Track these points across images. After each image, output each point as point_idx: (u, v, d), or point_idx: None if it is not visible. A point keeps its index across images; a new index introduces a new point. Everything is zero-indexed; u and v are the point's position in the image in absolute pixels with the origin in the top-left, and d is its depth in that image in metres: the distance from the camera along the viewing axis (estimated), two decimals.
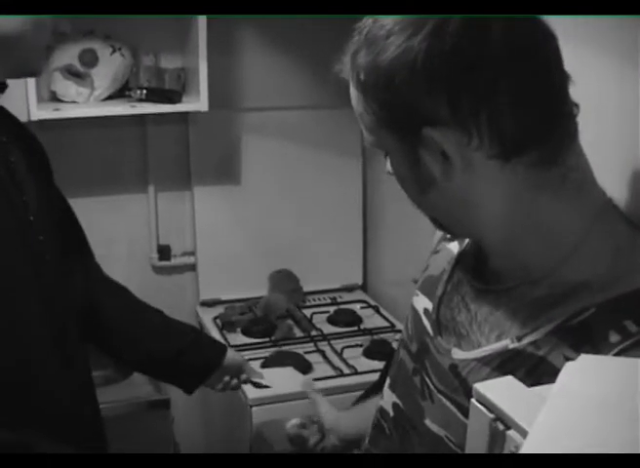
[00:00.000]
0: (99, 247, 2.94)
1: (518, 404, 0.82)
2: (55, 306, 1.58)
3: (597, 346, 0.94)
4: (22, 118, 2.50)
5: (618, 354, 0.93)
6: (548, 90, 0.98)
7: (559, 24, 1.00)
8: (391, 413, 1.29)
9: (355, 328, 2.86)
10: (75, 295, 1.70)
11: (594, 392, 0.79)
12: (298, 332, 2.85)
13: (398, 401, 1.27)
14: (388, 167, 1.11)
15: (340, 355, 2.65)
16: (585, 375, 0.83)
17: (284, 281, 3.07)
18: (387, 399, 1.31)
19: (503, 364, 1.02)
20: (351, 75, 1.03)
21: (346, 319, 2.94)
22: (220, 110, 2.85)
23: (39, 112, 2.53)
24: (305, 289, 3.11)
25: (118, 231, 3.03)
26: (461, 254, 1.21)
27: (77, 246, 1.90)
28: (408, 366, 1.25)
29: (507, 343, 1.03)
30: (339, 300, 3.12)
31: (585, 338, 0.95)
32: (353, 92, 1.05)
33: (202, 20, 2.59)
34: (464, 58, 0.93)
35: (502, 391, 0.85)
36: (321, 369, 2.59)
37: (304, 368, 2.56)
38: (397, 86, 0.96)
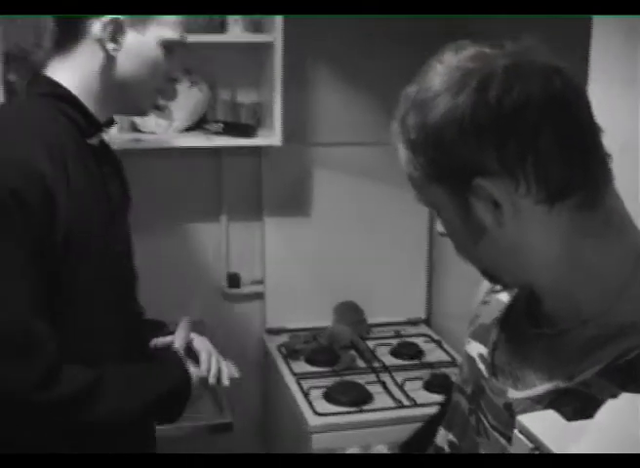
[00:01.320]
0: (171, 273, 3.09)
1: (557, 435, 0.87)
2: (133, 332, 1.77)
3: None
4: None
5: None
6: (586, 136, 1.04)
7: None
8: (447, 450, 1.34)
9: (417, 361, 2.90)
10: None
11: (629, 430, 0.83)
12: (360, 363, 2.90)
13: (454, 439, 1.33)
14: (440, 227, 1.17)
15: (400, 387, 2.69)
16: (623, 413, 0.87)
17: (349, 312, 3.13)
18: (443, 437, 1.37)
19: (554, 402, 1.06)
20: (400, 138, 1.10)
21: (409, 352, 2.99)
22: (292, 144, 2.94)
23: (121, 142, 2.65)
24: (370, 321, 3.17)
25: (191, 258, 3.12)
26: (513, 302, 1.26)
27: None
28: (464, 407, 1.30)
29: (558, 383, 1.07)
30: (402, 333, 3.16)
31: (631, 377, 1.00)
32: (403, 153, 1.12)
33: (277, 57, 2.69)
34: (509, 110, 1.00)
35: (543, 423, 0.90)
36: (381, 399, 2.63)
37: (365, 398, 2.62)
38: (447, 141, 1.03)
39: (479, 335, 1.31)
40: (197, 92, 2.84)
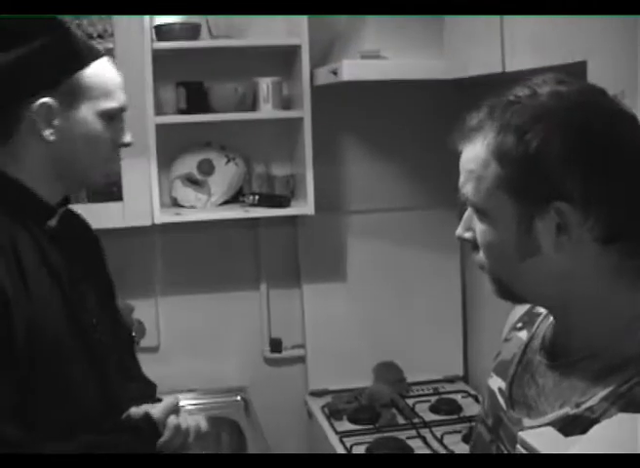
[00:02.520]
0: (214, 340, 3.23)
1: (552, 447, 0.98)
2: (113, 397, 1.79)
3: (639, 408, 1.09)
4: (147, 222, 2.80)
5: None
6: None
7: None
8: None
9: (455, 416, 2.98)
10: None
11: (616, 442, 0.94)
12: (400, 420, 2.98)
13: None
14: (461, 230, 1.28)
15: (440, 440, 2.76)
16: (613, 429, 0.98)
17: (388, 372, 3.22)
18: None
19: (564, 427, 1.16)
20: (488, 135, 1.18)
21: (447, 407, 3.06)
22: (326, 213, 3.10)
23: (162, 216, 2.82)
24: (409, 380, 3.25)
25: (233, 325, 3.25)
26: (530, 338, 1.38)
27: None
28: (485, 438, 1.41)
29: (568, 410, 1.17)
30: (440, 390, 3.24)
31: (631, 402, 1.10)
32: (481, 152, 1.19)
33: (307, 131, 2.86)
34: (605, 148, 1.13)
35: (541, 438, 1.01)
36: (421, 453, 2.71)
37: (405, 452, 2.70)
38: (542, 163, 1.13)
39: (500, 371, 1.42)
40: (233, 166, 3.01)
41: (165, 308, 3.12)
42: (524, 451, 1.01)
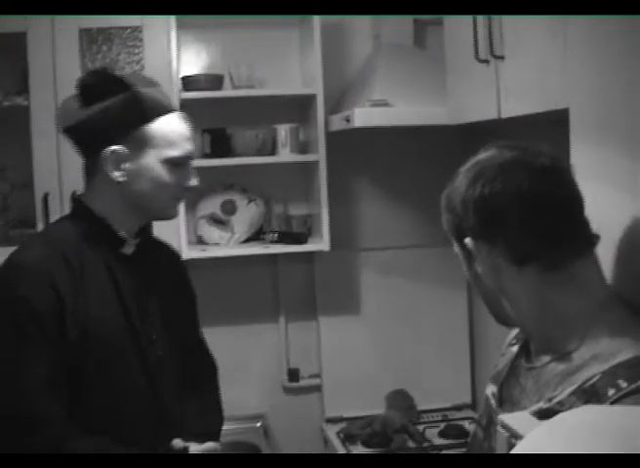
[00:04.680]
0: (236, 370, 3.40)
1: (526, 427, 1.17)
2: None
3: (600, 400, 1.29)
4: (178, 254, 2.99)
5: (612, 403, 1.28)
6: (551, 220, 1.38)
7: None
8: None
9: (463, 440, 3.14)
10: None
11: (576, 417, 1.14)
12: (411, 444, 3.16)
13: None
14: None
15: None
16: (575, 413, 1.18)
17: (400, 400, 3.40)
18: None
19: (539, 418, 1.37)
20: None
21: (455, 433, 3.23)
22: (340, 250, 3.30)
23: (190, 252, 3.02)
24: (419, 407, 3.42)
25: (253, 356, 3.45)
26: (520, 347, 1.59)
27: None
28: (479, 435, 1.62)
29: (542, 404, 1.37)
30: (449, 417, 3.41)
31: (593, 395, 1.30)
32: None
33: (322, 173, 3.07)
34: (489, 195, 1.38)
35: (518, 420, 1.21)
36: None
37: None
38: (454, 209, 1.43)
39: (494, 379, 1.63)
40: (254, 207, 3.22)
41: None
42: (504, 433, 1.20)
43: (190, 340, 2.20)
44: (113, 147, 1.86)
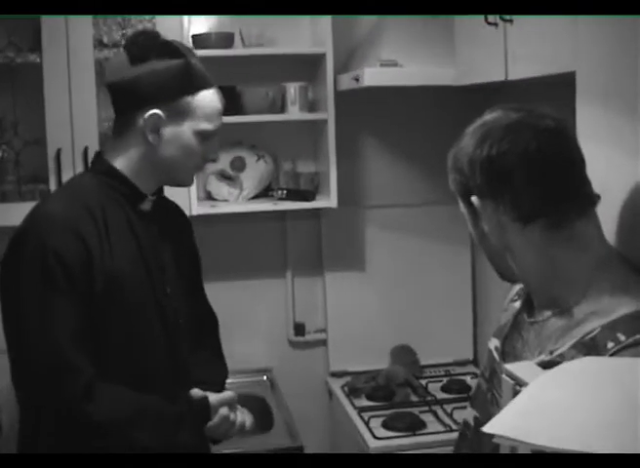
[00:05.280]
0: (243, 324, 3.47)
1: (531, 375, 1.24)
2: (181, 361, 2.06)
3: (600, 353, 1.35)
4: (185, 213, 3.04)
5: (611, 356, 1.34)
6: (554, 179, 1.44)
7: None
8: (472, 424, 1.72)
9: (465, 394, 3.20)
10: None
11: (577, 365, 1.21)
12: (414, 398, 3.24)
13: (477, 414, 1.71)
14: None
15: (450, 415, 3.02)
16: (577, 363, 1.25)
17: (403, 354, 3.48)
18: (469, 414, 1.75)
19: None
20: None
21: (457, 387, 3.31)
22: (347, 207, 3.36)
23: (199, 208, 3.08)
24: (422, 362, 3.50)
25: (260, 310, 3.51)
26: (523, 303, 1.65)
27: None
28: (483, 387, 1.69)
29: (544, 357, 1.44)
30: (451, 372, 3.50)
31: (593, 348, 1.37)
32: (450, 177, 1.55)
33: (331, 132, 3.11)
34: (496, 155, 1.44)
35: (522, 369, 1.28)
36: (433, 426, 2.97)
37: (418, 424, 2.96)
38: (460, 168, 1.49)
39: (497, 333, 1.69)
40: (263, 164, 3.27)
41: None
42: (509, 380, 1.27)
43: (196, 294, 2.26)
44: (155, 111, 1.90)
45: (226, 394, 2.10)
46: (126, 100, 1.95)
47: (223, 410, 2.05)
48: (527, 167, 1.42)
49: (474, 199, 1.46)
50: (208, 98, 1.96)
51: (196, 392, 2.04)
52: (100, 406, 1.83)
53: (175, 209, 2.25)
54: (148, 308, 1.97)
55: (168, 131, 1.93)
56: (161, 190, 2.10)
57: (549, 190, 1.43)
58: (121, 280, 1.90)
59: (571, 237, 1.45)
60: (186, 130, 1.94)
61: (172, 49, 1.93)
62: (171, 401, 1.98)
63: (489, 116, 1.51)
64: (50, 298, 1.82)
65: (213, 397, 2.05)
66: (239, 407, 2.14)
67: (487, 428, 1.04)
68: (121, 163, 1.98)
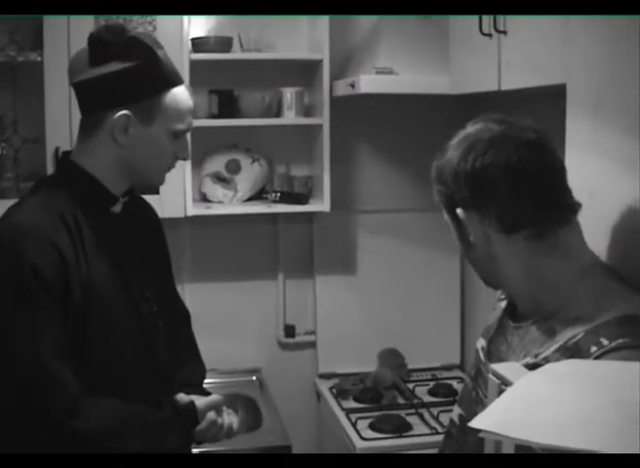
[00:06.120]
0: (234, 324, 3.50)
1: (516, 375, 1.29)
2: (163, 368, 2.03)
3: (583, 356, 1.40)
4: (179, 214, 3.09)
5: (595, 359, 1.39)
6: (538, 190, 1.49)
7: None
8: (457, 422, 1.77)
9: (451, 398, 3.25)
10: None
11: (559, 370, 1.26)
12: (401, 401, 3.28)
13: (462, 412, 1.76)
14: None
15: (436, 418, 3.06)
16: (561, 364, 1.30)
17: (391, 357, 3.51)
18: (455, 412, 1.80)
19: None
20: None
21: (444, 391, 3.35)
22: (340, 211, 3.40)
23: (194, 209, 3.12)
24: (410, 366, 3.53)
25: (251, 311, 3.54)
26: (505, 308, 1.70)
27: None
28: (469, 385, 1.75)
29: (528, 360, 1.49)
30: (438, 377, 3.54)
31: (577, 352, 1.42)
32: (434, 190, 1.60)
33: (325, 137, 3.15)
34: (479, 167, 1.49)
35: (508, 369, 1.32)
36: (419, 428, 3.01)
37: (404, 426, 3.00)
38: (445, 180, 1.53)
39: (484, 333, 1.75)
40: (257, 167, 3.31)
41: (191, 294, 3.37)
42: (495, 380, 1.32)
43: (169, 292, 2.24)
44: (124, 112, 1.83)
45: (213, 398, 2.09)
46: (92, 101, 1.88)
47: (211, 415, 2.03)
48: (510, 179, 1.47)
49: (459, 211, 1.51)
50: (178, 97, 1.89)
51: (182, 397, 2.04)
52: (87, 420, 1.79)
53: (143, 206, 2.20)
54: (129, 315, 1.93)
55: (137, 131, 1.86)
56: (132, 190, 2.02)
57: (532, 201, 1.48)
58: (99, 289, 1.85)
59: (555, 246, 1.50)
60: (157, 130, 1.88)
61: (138, 46, 1.84)
62: (156, 407, 1.97)
63: (471, 128, 1.55)
64: (28, 312, 1.76)
65: (199, 401, 2.04)
66: (225, 409, 2.12)
67: (473, 423, 1.09)
68: (90, 165, 1.91)
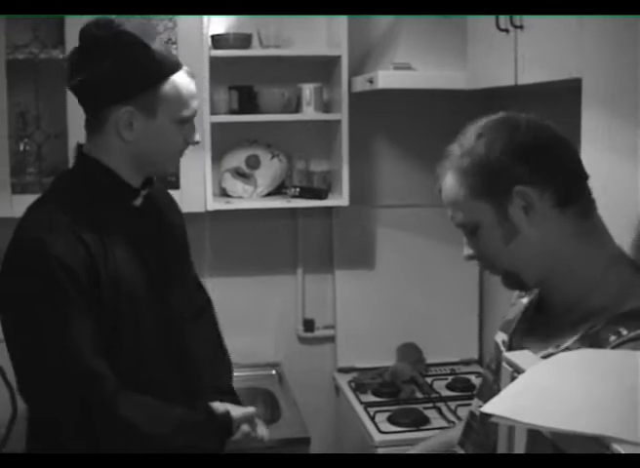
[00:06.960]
0: (254, 319, 3.53)
1: (529, 363, 1.31)
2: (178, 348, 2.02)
3: (602, 346, 1.42)
4: (200, 209, 3.11)
5: (613, 348, 1.40)
6: (579, 166, 1.54)
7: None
8: (477, 414, 1.79)
9: (469, 392, 3.25)
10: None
11: (572, 356, 1.28)
12: (419, 395, 3.29)
13: (482, 404, 1.77)
14: (467, 251, 1.64)
15: (453, 412, 3.07)
16: (574, 353, 1.32)
17: (410, 352, 3.54)
18: (475, 404, 1.82)
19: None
20: (451, 169, 1.59)
21: (462, 386, 3.36)
22: (359, 206, 3.43)
23: (214, 204, 3.15)
24: (428, 360, 3.56)
25: (271, 306, 3.57)
26: (528, 304, 1.71)
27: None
28: (490, 379, 1.76)
29: (551, 350, 1.50)
30: (456, 371, 3.55)
31: (596, 341, 1.43)
32: (452, 180, 1.58)
33: (344, 132, 3.18)
34: (538, 145, 1.51)
35: (521, 357, 1.34)
36: (437, 421, 3.03)
37: (422, 420, 3.02)
38: (494, 162, 1.51)
39: (504, 327, 1.76)
40: (277, 162, 3.34)
41: (210, 288, 3.33)
42: (508, 368, 1.34)
43: (192, 283, 2.27)
44: (125, 108, 1.83)
45: (248, 410, 2.11)
46: (93, 101, 1.87)
47: (245, 428, 2.07)
48: (564, 149, 1.52)
49: (519, 188, 1.49)
50: (178, 84, 1.87)
51: (217, 406, 2.05)
52: (132, 410, 1.81)
53: (165, 197, 2.20)
54: (155, 309, 1.93)
55: (142, 125, 1.86)
56: (150, 181, 2.01)
57: (579, 175, 1.53)
58: (125, 283, 1.86)
59: (594, 228, 1.54)
60: (161, 120, 1.87)
61: (130, 39, 1.83)
62: (187, 407, 1.97)
63: (495, 117, 1.58)
64: (62, 308, 1.76)
65: (235, 412, 2.06)
66: (257, 421, 2.15)
67: (486, 408, 1.11)
68: (105, 159, 1.90)
